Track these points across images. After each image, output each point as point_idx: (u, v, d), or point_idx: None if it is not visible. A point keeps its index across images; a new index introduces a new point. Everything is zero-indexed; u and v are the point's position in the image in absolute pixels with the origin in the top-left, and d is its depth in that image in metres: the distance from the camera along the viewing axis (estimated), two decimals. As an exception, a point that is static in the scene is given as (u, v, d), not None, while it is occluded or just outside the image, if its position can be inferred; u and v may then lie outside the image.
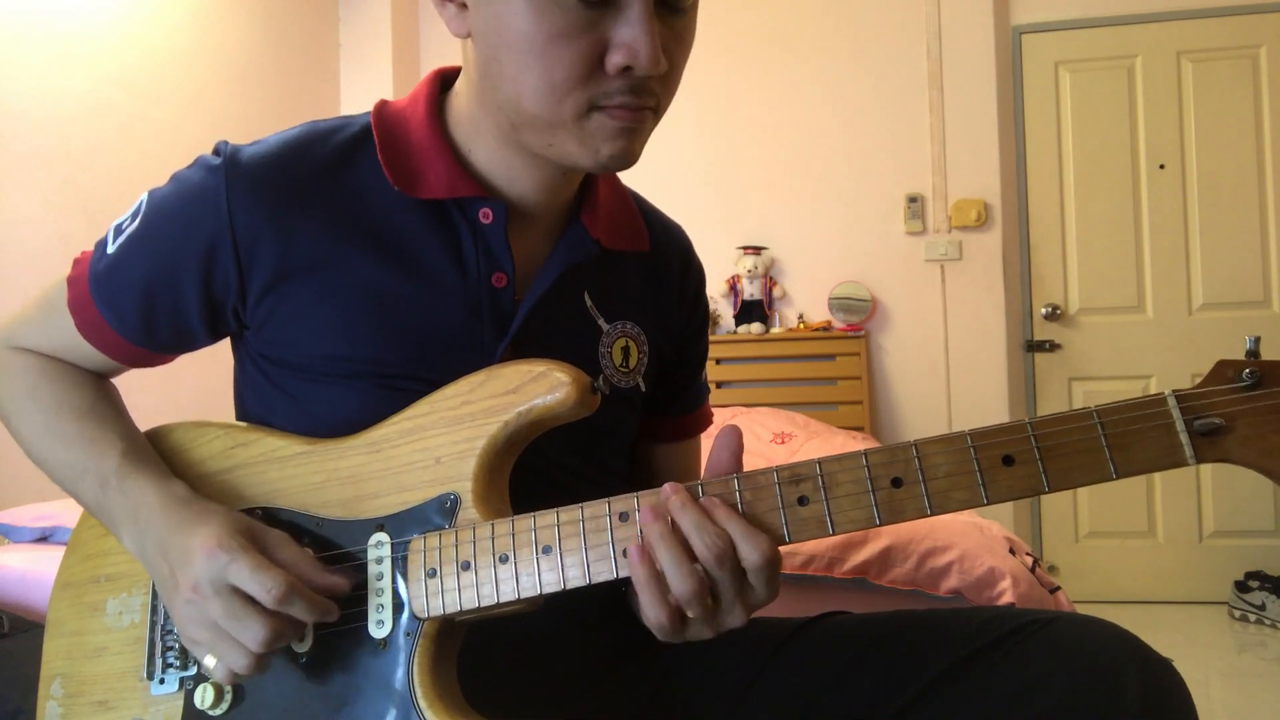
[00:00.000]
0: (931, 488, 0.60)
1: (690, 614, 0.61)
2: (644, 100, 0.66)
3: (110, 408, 0.79)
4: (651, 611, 0.61)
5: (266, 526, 0.68)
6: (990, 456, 0.59)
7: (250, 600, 0.63)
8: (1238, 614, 3.04)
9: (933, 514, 0.60)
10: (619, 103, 0.66)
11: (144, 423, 0.82)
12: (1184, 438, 0.57)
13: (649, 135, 0.71)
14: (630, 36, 0.63)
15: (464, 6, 0.68)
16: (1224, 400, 0.57)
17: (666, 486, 0.62)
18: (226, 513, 0.68)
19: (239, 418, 0.82)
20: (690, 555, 0.60)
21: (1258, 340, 0.59)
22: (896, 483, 0.60)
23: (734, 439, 0.64)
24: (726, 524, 0.60)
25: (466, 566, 0.65)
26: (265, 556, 0.65)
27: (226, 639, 0.63)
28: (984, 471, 0.59)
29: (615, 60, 0.63)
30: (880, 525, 0.60)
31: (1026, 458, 0.58)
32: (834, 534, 0.61)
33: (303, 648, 0.68)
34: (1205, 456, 0.57)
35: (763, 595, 0.62)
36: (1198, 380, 0.60)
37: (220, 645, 0.64)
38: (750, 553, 0.60)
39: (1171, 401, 0.58)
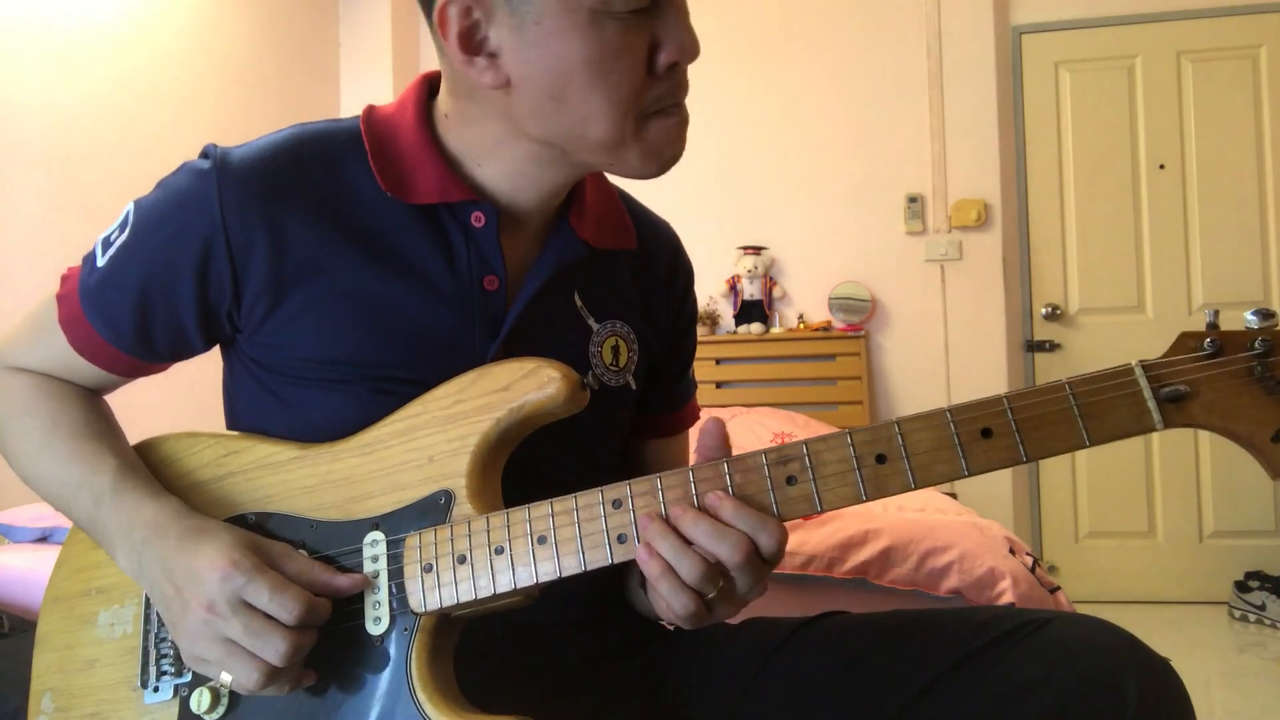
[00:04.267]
0: (914, 462, 0.62)
1: (708, 594, 0.63)
2: (684, 92, 0.70)
3: (104, 425, 0.79)
4: (675, 600, 0.63)
5: (268, 540, 0.69)
6: (969, 430, 0.62)
7: (269, 617, 0.63)
8: (1238, 614, 3.04)
9: (916, 487, 0.62)
10: (672, 101, 0.70)
11: (144, 425, 0.82)
12: (1151, 405, 0.60)
13: None
14: (678, 33, 0.66)
15: (494, 56, 0.67)
16: (1188, 368, 0.61)
17: (674, 508, 0.63)
18: (227, 528, 0.68)
19: (229, 425, 0.82)
20: (688, 542, 0.62)
21: (1216, 313, 0.62)
22: (881, 459, 0.62)
23: (719, 431, 0.66)
24: (736, 521, 0.62)
25: (463, 560, 0.66)
26: (278, 573, 0.65)
27: (241, 654, 0.63)
28: (964, 444, 0.62)
29: (666, 59, 0.67)
30: (866, 500, 0.63)
31: (1004, 429, 0.61)
32: (822, 511, 0.63)
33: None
34: (1172, 422, 0.60)
35: (774, 565, 0.65)
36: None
37: (233, 661, 0.64)
38: (768, 541, 0.62)
39: (1138, 371, 0.61)
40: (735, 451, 0.66)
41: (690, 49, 0.67)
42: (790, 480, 0.63)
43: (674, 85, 0.69)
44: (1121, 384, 0.61)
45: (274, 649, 0.62)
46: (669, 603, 0.63)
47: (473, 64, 0.68)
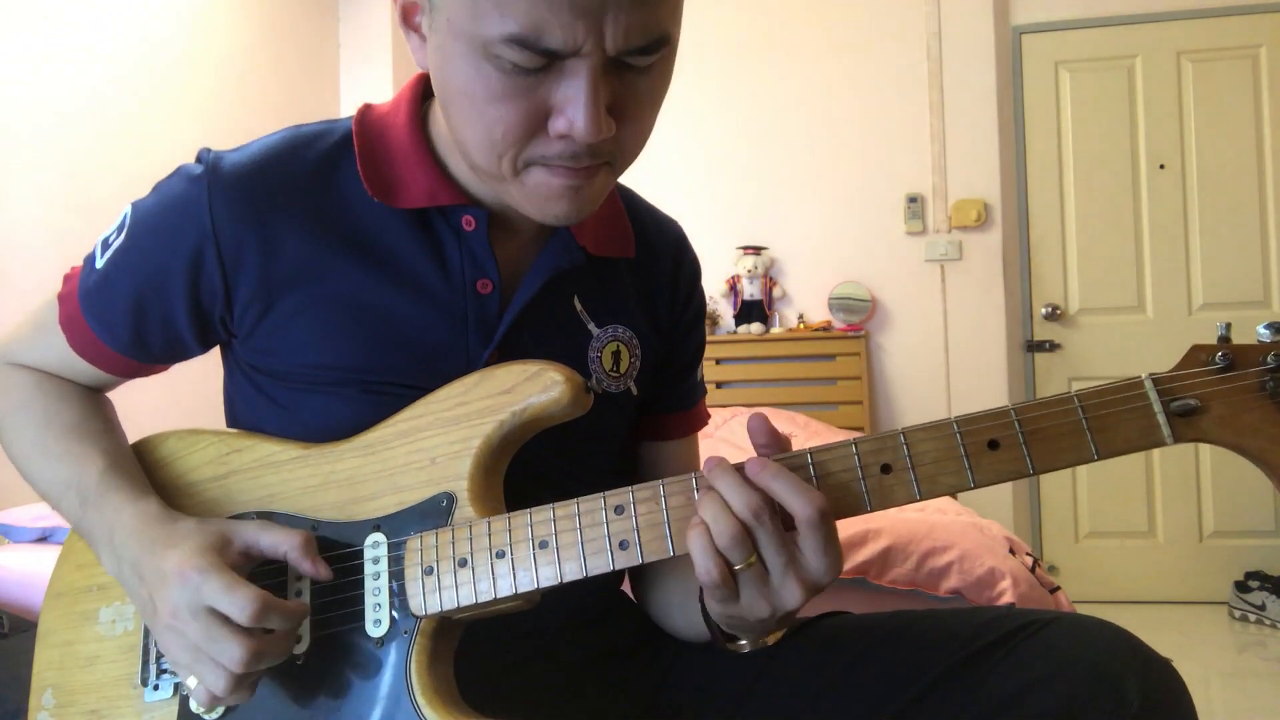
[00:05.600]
0: (920, 473, 0.61)
1: (734, 564, 0.60)
2: (587, 162, 0.64)
3: (99, 423, 0.79)
4: (718, 523, 0.59)
5: (240, 522, 0.68)
6: (976, 441, 0.61)
7: (228, 621, 0.62)
8: (1238, 614, 3.04)
9: (921, 498, 0.61)
10: (558, 163, 0.64)
11: (145, 424, 0.82)
12: (1161, 419, 0.59)
13: (605, 188, 0.69)
14: (569, 105, 0.60)
15: (424, 39, 0.67)
16: (1199, 382, 0.59)
17: (707, 459, 0.63)
18: (198, 529, 0.67)
19: (229, 426, 0.82)
20: (728, 506, 0.59)
21: (1228, 326, 0.61)
22: (886, 469, 0.62)
23: (764, 422, 0.64)
24: (773, 482, 0.59)
25: (464, 563, 0.66)
26: (237, 574, 0.64)
27: (206, 660, 0.63)
28: (970, 456, 0.61)
29: (556, 126, 0.62)
30: (871, 511, 0.62)
31: (1011, 441, 0.60)
32: None
33: (300, 648, 0.68)
34: (1183, 436, 0.59)
35: (815, 565, 0.60)
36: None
37: (200, 667, 0.63)
38: (803, 507, 0.59)
39: (1149, 384, 0.60)
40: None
41: (580, 128, 0.60)
42: None
43: (569, 150, 0.63)
44: (1131, 397, 0.60)
45: (229, 654, 0.61)
46: (695, 550, 0.60)
47: (410, 35, 0.68)
